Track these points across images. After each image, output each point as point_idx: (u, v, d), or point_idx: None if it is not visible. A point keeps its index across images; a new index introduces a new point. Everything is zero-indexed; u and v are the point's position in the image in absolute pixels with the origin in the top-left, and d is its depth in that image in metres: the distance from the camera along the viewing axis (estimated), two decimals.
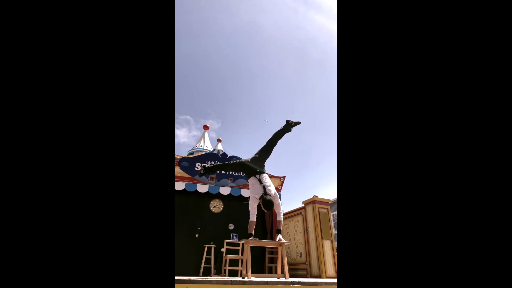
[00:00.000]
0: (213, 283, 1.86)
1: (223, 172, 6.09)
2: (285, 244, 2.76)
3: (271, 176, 6.48)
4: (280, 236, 2.78)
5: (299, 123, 3.11)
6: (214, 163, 6.21)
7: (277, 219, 2.85)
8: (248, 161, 2.98)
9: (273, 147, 3.06)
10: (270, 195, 2.70)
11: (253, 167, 2.90)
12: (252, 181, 2.86)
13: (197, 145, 9.18)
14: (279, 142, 3.08)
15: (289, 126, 3.07)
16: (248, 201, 2.86)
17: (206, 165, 3.12)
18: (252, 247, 2.77)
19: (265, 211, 2.70)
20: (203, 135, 9.56)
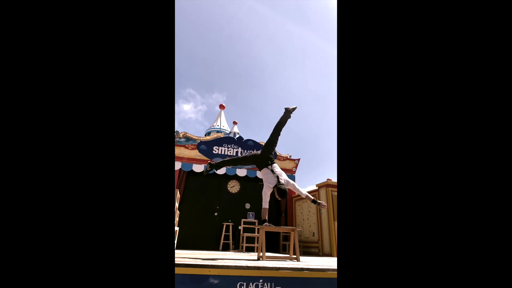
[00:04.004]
0: (232, 268, 2.12)
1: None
2: (297, 229, 3.00)
3: (286, 158, 6.66)
4: (318, 201, 3.02)
5: (295, 108, 3.27)
6: (231, 146, 6.44)
7: (304, 196, 3.09)
8: (257, 154, 3.15)
9: (278, 136, 3.24)
10: (283, 184, 2.89)
11: (264, 159, 3.07)
12: (264, 171, 3.05)
13: (214, 124, 9.42)
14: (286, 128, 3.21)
15: (288, 113, 3.23)
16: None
17: (213, 162, 3.24)
18: None
19: (280, 199, 2.90)
20: (219, 115, 9.75)
